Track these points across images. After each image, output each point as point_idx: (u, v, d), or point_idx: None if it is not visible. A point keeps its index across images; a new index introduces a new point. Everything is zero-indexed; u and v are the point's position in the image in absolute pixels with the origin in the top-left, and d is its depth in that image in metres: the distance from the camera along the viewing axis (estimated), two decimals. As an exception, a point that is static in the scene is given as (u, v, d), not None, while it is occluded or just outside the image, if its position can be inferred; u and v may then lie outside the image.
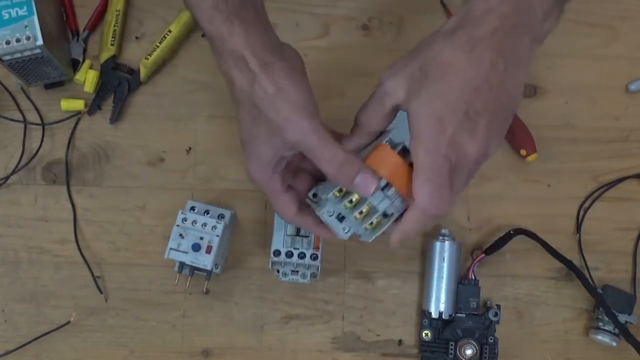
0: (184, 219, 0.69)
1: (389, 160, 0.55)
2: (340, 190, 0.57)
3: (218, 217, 0.71)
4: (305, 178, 0.61)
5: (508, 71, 0.50)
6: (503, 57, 0.49)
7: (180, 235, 0.69)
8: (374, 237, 0.58)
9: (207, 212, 0.71)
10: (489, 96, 0.49)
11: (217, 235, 0.69)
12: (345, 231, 0.58)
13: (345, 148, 0.54)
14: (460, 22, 0.51)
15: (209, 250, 0.68)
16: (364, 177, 0.53)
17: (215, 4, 0.54)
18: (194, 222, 0.69)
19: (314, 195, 0.60)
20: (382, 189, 0.55)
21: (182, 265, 0.69)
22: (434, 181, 0.51)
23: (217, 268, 0.71)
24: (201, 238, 0.69)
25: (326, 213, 0.58)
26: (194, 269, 0.70)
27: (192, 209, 0.72)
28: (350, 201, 0.57)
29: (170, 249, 0.69)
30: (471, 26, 0.50)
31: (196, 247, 0.68)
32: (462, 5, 0.52)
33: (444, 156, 0.50)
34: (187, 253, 0.68)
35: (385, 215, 0.57)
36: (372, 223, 0.57)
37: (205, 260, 0.68)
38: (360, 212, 0.56)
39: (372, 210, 0.56)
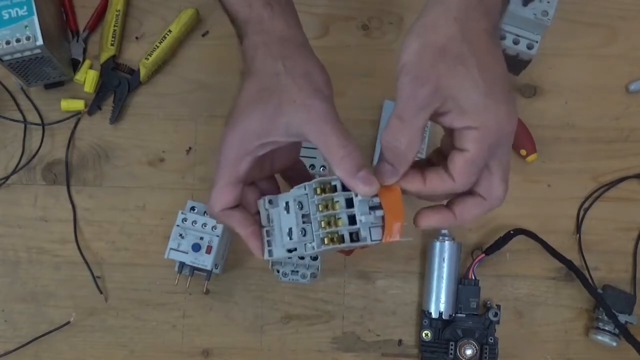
0: (184, 219, 0.69)
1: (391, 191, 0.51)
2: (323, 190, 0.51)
3: None
4: (255, 191, 0.56)
5: (496, 41, 0.51)
6: (489, 34, 0.49)
7: (180, 235, 0.69)
8: (322, 248, 0.50)
9: (207, 212, 0.71)
10: (493, 65, 0.49)
11: (217, 236, 0.69)
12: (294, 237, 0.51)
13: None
14: (473, 5, 0.49)
15: (209, 250, 0.68)
16: (366, 177, 0.49)
17: None
18: (194, 222, 0.69)
19: (270, 201, 0.54)
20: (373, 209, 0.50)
21: (182, 265, 0.69)
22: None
23: (217, 268, 0.71)
24: (201, 238, 0.69)
25: (293, 196, 0.51)
26: (194, 269, 0.70)
27: (192, 209, 0.72)
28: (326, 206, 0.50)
29: (171, 249, 0.69)
30: (485, 9, 0.49)
31: (196, 247, 0.68)
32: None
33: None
34: (187, 253, 0.68)
35: (350, 238, 0.50)
36: (332, 235, 0.50)
37: (206, 261, 0.68)
38: (328, 223, 0.50)
39: (343, 220, 0.50)
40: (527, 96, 0.78)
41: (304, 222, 0.51)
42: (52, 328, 0.73)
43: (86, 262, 0.75)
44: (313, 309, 0.75)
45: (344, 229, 0.49)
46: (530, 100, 0.78)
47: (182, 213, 0.70)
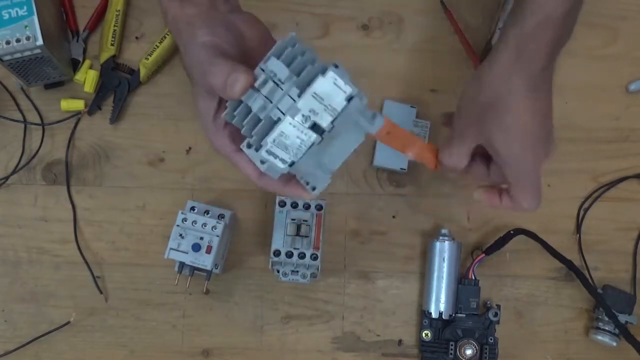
0: (184, 219, 0.69)
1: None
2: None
3: (218, 217, 0.71)
4: None
5: (551, 91, 0.60)
6: (549, 83, 0.60)
7: (180, 235, 0.69)
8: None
9: (207, 212, 0.71)
10: (550, 115, 0.60)
11: (217, 236, 0.69)
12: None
13: None
14: (515, 59, 0.57)
15: (209, 250, 0.68)
16: (237, 75, 0.50)
17: None
18: (194, 222, 0.69)
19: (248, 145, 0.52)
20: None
21: (182, 265, 0.69)
22: (538, 192, 0.61)
23: (217, 268, 0.71)
24: (201, 238, 0.69)
25: (254, 103, 0.50)
26: (194, 269, 0.70)
27: (192, 209, 0.72)
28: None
29: (170, 249, 0.69)
30: (527, 64, 0.57)
31: (196, 247, 0.68)
32: (503, 43, 0.57)
33: (538, 174, 0.60)
34: (187, 253, 0.68)
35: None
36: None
37: (205, 261, 0.68)
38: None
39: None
40: (527, 96, 0.78)
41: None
42: (52, 328, 0.73)
43: (86, 262, 0.75)
44: (313, 309, 0.75)
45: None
46: (530, 100, 0.78)
47: (182, 213, 0.70)
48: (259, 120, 0.50)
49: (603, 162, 0.77)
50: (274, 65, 0.49)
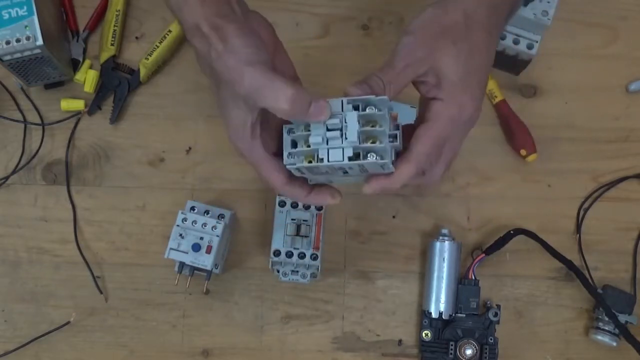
0: (184, 219, 0.69)
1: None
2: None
3: (218, 217, 0.71)
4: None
5: (492, 40, 0.57)
6: (489, 32, 0.56)
7: (180, 235, 0.69)
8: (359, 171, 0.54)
9: (207, 212, 0.71)
10: (480, 59, 0.56)
11: (217, 236, 0.69)
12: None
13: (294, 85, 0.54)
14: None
15: (209, 250, 0.68)
16: (316, 105, 0.52)
17: None
18: (194, 222, 0.69)
19: (289, 154, 0.55)
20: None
21: (182, 265, 0.69)
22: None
23: (217, 268, 0.71)
24: (201, 238, 0.69)
25: (314, 137, 0.53)
26: (194, 269, 0.70)
27: (192, 209, 0.72)
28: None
29: (171, 249, 0.69)
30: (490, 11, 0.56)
31: (196, 247, 0.68)
32: None
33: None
34: (187, 253, 0.68)
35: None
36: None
37: (206, 261, 0.68)
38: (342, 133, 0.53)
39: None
40: (527, 96, 0.78)
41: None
42: (52, 328, 0.73)
43: (86, 262, 0.75)
44: (313, 309, 0.75)
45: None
46: (530, 100, 0.78)
47: (182, 213, 0.70)
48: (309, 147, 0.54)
49: (603, 162, 0.77)
50: (351, 120, 0.52)
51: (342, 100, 0.52)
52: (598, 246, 0.76)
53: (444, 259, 0.72)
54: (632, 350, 0.71)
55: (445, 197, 0.76)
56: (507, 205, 0.76)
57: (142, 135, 0.77)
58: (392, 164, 0.53)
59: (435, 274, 0.73)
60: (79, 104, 0.77)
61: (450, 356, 0.72)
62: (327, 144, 0.52)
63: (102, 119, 0.78)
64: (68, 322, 0.74)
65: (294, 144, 0.54)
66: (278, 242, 0.69)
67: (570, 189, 0.77)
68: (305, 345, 0.75)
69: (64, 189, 0.76)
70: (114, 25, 0.77)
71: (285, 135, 0.55)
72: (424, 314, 0.73)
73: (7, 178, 0.76)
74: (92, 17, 0.79)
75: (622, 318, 0.72)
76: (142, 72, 0.77)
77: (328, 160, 0.52)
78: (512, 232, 0.73)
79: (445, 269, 0.72)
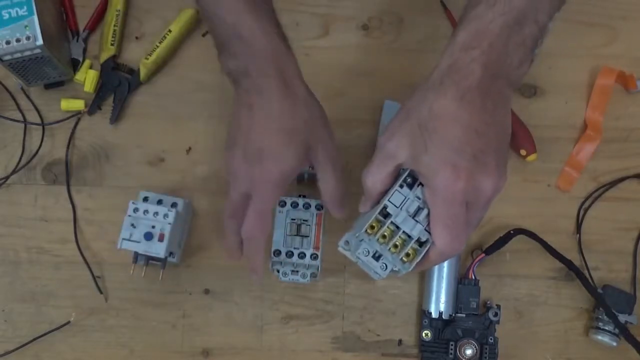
0: (135, 209, 0.69)
1: None
2: (372, 227, 0.58)
3: (171, 205, 0.71)
4: None
5: (497, 109, 0.54)
6: (490, 99, 0.53)
7: (132, 225, 0.68)
8: (412, 267, 0.58)
9: (160, 201, 0.71)
10: (488, 134, 0.53)
11: (169, 223, 0.68)
12: (383, 269, 0.58)
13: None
14: (446, 73, 0.53)
15: (161, 238, 0.68)
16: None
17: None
18: (146, 211, 0.69)
19: (346, 242, 0.61)
20: (413, 216, 0.56)
21: (136, 255, 0.70)
22: (453, 228, 0.55)
23: (173, 257, 0.71)
24: (153, 227, 0.69)
25: (362, 253, 0.58)
26: (149, 258, 0.70)
27: (145, 199, 0.71)
28: (384, 236, 0.58)
29: (123, 239, 0.68)
30: (458, 76, 0.53)
31: (148, 237, 0.68)
32: (442, 56, 0.54)
33: (460, 203, 0.53)
34: (139, 242, 0.68)
35: (419, 243, 0.57)
36: (408, 254, 0.58)
37: (158, 249, 0.68)
38: (395, 246, 0.57)
39: (407, 240, 0.57)
40: (527, 96, 0.78)
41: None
42: (52, 328, 0.73)
43: (86, 262, 0.75)
44: (313, 309, 0.75)
45: (408, 247, 0.58)
46: (530, 100, 0.78)
47: (133, 203, 0.69)
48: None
49: (603, 162, 0.77)
50: (406, 226, 0.57)
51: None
52: (598, 246, 0.76)
53: (444, 259, 0.72)
54: (632, 350, 0.71)
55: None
56: (507, 205, 0.76)
57: (142, 135, 0.77)
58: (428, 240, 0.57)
59: (435, 274, 0.73)
60: (79, 104, 0.77)
61: (450, 356, 0.72)
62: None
63: (102, 119, 0.78)
64: (68, 322, 0.74)
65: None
66: (278, 242, 0.69)
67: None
68: (305, 345, 0.75)
69: (64, 189, 0.76)
70: (114, 25, 0.77)
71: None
72: (424, 313, 0.73)
73: (7, 178, 0.76)
74: (92, 17, 0.79)
75: (622, 318, 0.72)
76: (142, 72, 0.77)
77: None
78: (512, 232, 0.73)
79: (445, 269, 0.72)
